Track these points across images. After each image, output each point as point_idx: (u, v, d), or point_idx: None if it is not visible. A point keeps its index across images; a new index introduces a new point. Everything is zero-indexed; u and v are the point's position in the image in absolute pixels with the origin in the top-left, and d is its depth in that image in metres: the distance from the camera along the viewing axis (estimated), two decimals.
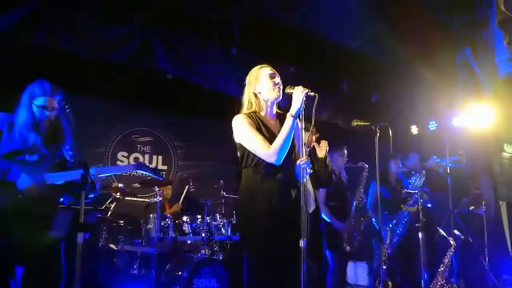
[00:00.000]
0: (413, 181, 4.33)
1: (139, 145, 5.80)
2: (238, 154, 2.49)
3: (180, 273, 4.24)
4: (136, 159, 5.74)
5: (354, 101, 6.52)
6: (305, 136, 2.43)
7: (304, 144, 2.43)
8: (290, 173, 2.43)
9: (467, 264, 4.51)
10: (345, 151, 4.35)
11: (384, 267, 3.82)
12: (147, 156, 5.85)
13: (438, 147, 5.70)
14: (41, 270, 2.41)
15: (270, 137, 2.40)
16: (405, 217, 4.20)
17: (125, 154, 5.66)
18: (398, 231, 4.15)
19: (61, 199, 2.45)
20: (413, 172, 4.47)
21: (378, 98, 6.68)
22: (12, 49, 4.17)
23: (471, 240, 4.48)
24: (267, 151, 2.32)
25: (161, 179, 4.05)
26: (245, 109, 2.55)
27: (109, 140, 5.55)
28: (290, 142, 2.37)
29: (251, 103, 2.54)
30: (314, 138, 3.23)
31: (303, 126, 2.37)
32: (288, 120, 2.36)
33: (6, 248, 2.33)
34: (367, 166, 4.18)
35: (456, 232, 4.07)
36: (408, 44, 5.36)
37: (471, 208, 4.17)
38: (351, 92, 6.48)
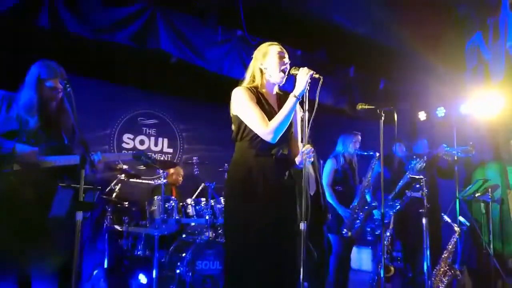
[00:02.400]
0: (413, 164, 4.28)
1: (144, 128, 5.80)
2: (233, 127, 2.44)
3: (183, 254, 4.28)
4: (141, 141, 5.75)
5: (361, 87, 6.45)
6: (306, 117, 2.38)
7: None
8: (290, 147, 2.42)
9: (472, 250, 4.50)
10: (359, 137, 4.31)
11: (387, 253, 3.83)
12: (152, 138, 5.86)
13: (446, 133, 5.64)
14: (44, 249, 2.41)
15: (268, 114, 2.36)
16: (403, 202, 4.17)
17: (131, 136, 5.67)
18: (390, 213, 4.12)
19: (58, 181, 2.42)
20: (414, 157, 4.42)
21: (386, 83, 6.60)
22: (14, 30, 4.15)
23: (476, 227, 4.46)
24: (264, 128, 2.30)
25: (158, 168, 4.02)
26: (246, 82, 2.51)
27: (115, 123, 5.56)
28: (289, 122, 2.35)
29: (254, 78, 2.50)
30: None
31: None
32: (290, 100, 2.33)
33: (9, 228, 2.32)
34: (378, 154, 4.15)
35: (461, 218, 4.04)
36: (416, 30, 5.27)
37: (477, 195, 4.13)
38: (358, 78, 6.41)
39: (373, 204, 4.06)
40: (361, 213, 4.04)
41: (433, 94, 6.11)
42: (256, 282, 2.24)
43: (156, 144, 5.88)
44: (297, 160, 2.39)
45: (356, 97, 6.39)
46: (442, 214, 4.02)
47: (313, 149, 2.31)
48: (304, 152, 2.28)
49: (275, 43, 2.52)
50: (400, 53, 5.91)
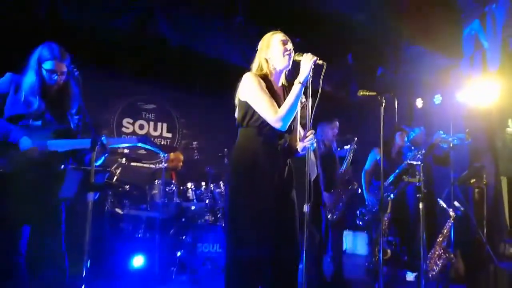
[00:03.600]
0: (412, 154, 4.36)
1: (144, 112, 5.84)
2: (239, 112, 2.43)
3: (184, 237, 4.37)
4: (141, 126, 5.79)
5: (359, 74, 6.49)
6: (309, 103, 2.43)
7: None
8: (290, 139, 2.46)
9: (465, 235, 4.60)
10: (336, 123, 4.36)
11: (385, 237, 3.93)
12: (152, 123, 5.90)
13: (443, 121, 5.71)
14: (46, 231, 2.45)
15: (276, 102, 2.38)
16: (399, 188, 4.27)
17: (130, 121, 5.71)
18: (388, 199, 4.21)
19: (62, 166, 2.45)
20: (412, 148, 4.50)
21: (383, 70, 6.64)
22: (15, 16, 4.14)
23: (469, 213, 4.56)
24: (274, 115, 2.31)
25: (165, 155, 4.05)
26: (255, 71, 2.51)
27: (115, 107, 5.58)
28: (296, 109, 2.38)
29: (261, 68, 2.50)
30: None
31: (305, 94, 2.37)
32: (296, 87, 2.35)
33: (13, 209, 2.34)
34: (355, 138, 4.22)
35: (456, 203, 4.13)
36: (414, 17, 5.29)
37: (471, 181, 4.21)
38: (356, 65, 6.44)
39: (355, 187, 4.14)
40: (343, 196, 4.13)
41: (430, 81, 6.16)
42: (258, 262, 2.29)
43: (155, 129, 5.92)
44: (299, 146, 2.42)
45: (353, 85, 6.44)
46: (438, 199, 4.10)
47: (314, 135, 2.36)
48: (307, 138, 2.33)
49: (278, 31, 2.53)
50: (397, 41, 5.95)
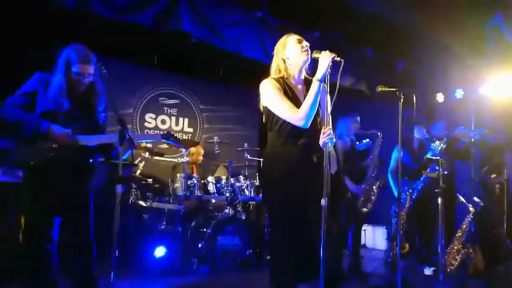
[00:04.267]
0: (433, 147, 4.35)
1: (166, 107, 5.96)
2: (264, 118, 2.56)
3: (204, 230, 4.47)
4: (163, 121, 5.92)
5: (379, 68, 6.46)
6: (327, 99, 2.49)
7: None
8: (313, 138, 2.49)
9: (485, 231, 4.58)
10: (358, 118, 4.40)
11: (402, 231, 3.95)
12: (173, 118, 6.02)
13: (464, 115, 5.67)
14: (75, 222, 2.57)
15: (296, 102, 2.46)
16: (421, 182, 4.27)
17: (153, 116, 5.84)
18: (413, 196, 4.23)
19: (91, 160, 2.56)
20: (434, 139, 4.49)
21: (404, 65, 6.60)
22: (46, 10, 4.27)
23: (490, 208, 4.53)
24: (296, 115, 2.40)
25: (186, 149, 4.16)
26: (272, 75, 2.60)
27: (137, 102, 5.72)
28: (317, 106, 2.44)
29: (279, 69, 2.58)
30: None
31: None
32: (314, 85, 2.42)
33: (45, 201, 2.47)
34: (380, 133, 4.24)
35: (475, 199, 4.12)
36: (435, 10, 5.24)
37: (492, 176, 4.18)
38: (376, 59, 6.41)
39: (383, 182, 4.17)
40: (374, 189, 4.17)
41: (452, 75, 6.10)
42: (293, 248, 2.45)
43: (177, 124, 6.04)
44: (320, 142, 2.48)
45: (373, 79, 6.42)
46: (457, 194, 4.10)
47: (331, 131, 2.41)
48: (325, 134, 2.39)
49: (292, 34, 2.62)
50: (418, 34, 5.89)
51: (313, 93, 2.41)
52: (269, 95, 2.48)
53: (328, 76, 2.45)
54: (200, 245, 4.42)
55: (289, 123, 2.45)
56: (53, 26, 4.43)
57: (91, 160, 2.59)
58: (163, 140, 2.68)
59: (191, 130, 6.16)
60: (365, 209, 4.13)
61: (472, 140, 5.13)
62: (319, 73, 2.42)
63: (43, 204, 2.49)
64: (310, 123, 2.43)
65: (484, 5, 5.48)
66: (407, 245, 3.86)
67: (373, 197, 4.18)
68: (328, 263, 2.28)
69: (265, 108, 2.53)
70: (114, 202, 2.22)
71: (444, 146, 4.27)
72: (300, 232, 2.45)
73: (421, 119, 5.15)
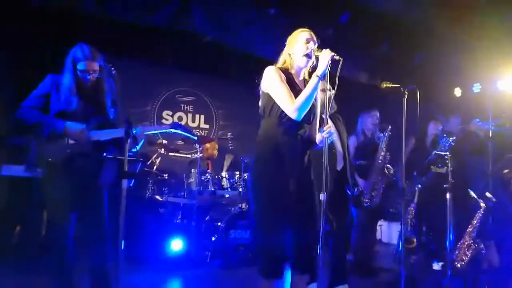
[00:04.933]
0: (443, 142, 4.33)
1: (182, 105, 6.10)
2: (262, 103, 2.59)
3: (218, 224, 4.59)
4: (180, 118, 6.07)
5: (397, 62, 6.42)
6: (322, 97, 2.54)
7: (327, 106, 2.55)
8: (311, 132, 2.58)
9: (501, 227, 4.53)
10: (377, 113, 4.41)
11: (410, 226, 3.96)
12: (190, 115, 6.16)
13: (482, 110, 5.58)
14: (90, 217, 2.68)
15: (296, 94, 2.50)
16: (429, 178, 4.25)
17: (170, 113, 5.99)
18: (420, 190, 4.21)
19: (104, 154, 2.68)
20: (444, 135, 4.46)
21: (421, 59, 6.54)
22: (60, 14, 4.46)
23: (505, 204, 4.47)
24: (292, 105, 2.45)
25: (195, 137, 4.26)
26: (278, 64, 2.67)
27: (154, 100, 5.88)
28: (312, 100, 2.50)
29: (284, 61, 2.66)
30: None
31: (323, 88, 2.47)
32: (313, 80, 2.47)
33: (62, 196, 2.60)
34: (389, 126, 4.24)
35: (487, 194, 4.08)
36: (453, 3, 5.18)
37: (505, 171, 4.13)
38: (393, 53, 6.38)
39: (391, 171, 4.16)
40: (381, 185, 4.17)
41: (469, 70, 6.01)
42: (279, 242, 2.48)
43: (193, 120, 6.18)
44: (318, 138, 2.55)
45: (390, 73, 6.38)
46: (469, 190, 4.07)
47: (331, 128, 2.47)
48: (324, 131, 2.45)
49: (306, 29, 2.66)
50: (435, 29, 5.83)
51: (310, 87, 2.46)
52: (272, 81, 2.51)
53: (328, 75, 2.49)
54: (213, 238, 4.54)
55: None
56: (72, 29, 4.61)
57: (104, 155, 2.72)
58: (172, 130, 2.77)
59: (207, 126, 6.29)
60: (368, 203, 4.14)
61: (490, 134, 5.06)
62: (319, 70, 2.48)
63: (62, 200, 2.62)
64: (302, 116, 2.47)
65: (502, 0, 5.38)
66: (414, 240, 3.86)
67: (378, 193, 4.18)
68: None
69: (265, 93, 2.56)
70: (129, 196, 2.30)
71: (453, 143, 4.24)
72: (290, 223, 2.49)
73: (437, 115, 5.12)
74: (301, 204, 2.53)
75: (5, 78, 4.39)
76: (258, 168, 2.57)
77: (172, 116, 5.99)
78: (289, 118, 2.49)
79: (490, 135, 5.10)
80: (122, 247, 2.27)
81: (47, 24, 4.53)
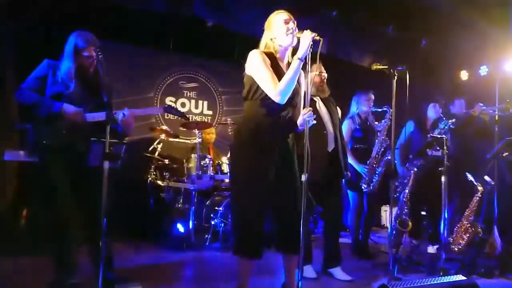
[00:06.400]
0: (441, 126, 4.28)
1: (185, 91, 6.14)
2: (245, 86, 2.61)
3: (218, 208, 4.66)
4: (183, 104, 6.11)
5: (402, 45, 6.32)
6: (308, 77, 2.54)
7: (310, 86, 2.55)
8: (293, 113, 2.61)
9: (503, 210, 4.47)
10: (371, 95, 4.37)
11: (406, 209, 3.95)
12: (193, 101, 6.20)
13: (488, 92, 5.48)
14: (86, 197, 2.77)
15: (280, 78, 2.52)
16: (425, 160, 4.22)
17: (173, 99, 6.04)
18: (416, 173, 4.18)
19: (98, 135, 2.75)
20: (444, 118, 4.40)
21: (427, 42, 6.43)
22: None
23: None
24: (275, 88, 2.47)
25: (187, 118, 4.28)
26: (262, 49, 2.68)
27: (157, 86, 5.93)
28: (295, 83, 2.51)
29: (267, 46, 2.67)
30: (320, 79, 3.33)
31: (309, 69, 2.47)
32: (295, 63, 2.48)
33: (61, 177, 2.70)
34: (390, 109, 4.20)
35: (486, 178, 4.03)
36: None
37: (504, 154, 4.06)
38: (399, 36, 6.27)
39: (389, 157, 4.13)
40: (379, 168, 4.15)
41: (476, 52, 5.88)
42: (256, 222, 2.52)
43: (196, 107, 6.22)
44: (299, 121, 2.56)
45: (396, 57, 6.29)
46: (466, 173, 4.03)
47: (312, 112, 2.47)
48: (305, 114, 2.46)
49: (281, 11, 2.67)
50: (441, 11, 5.71)
51: (292, 70, 2.47)
52: (255, 64, 2.53)
53: (309, 56, 2.47)
54: (213, 222, 4.61)
55: None
56: (68, 14, 4.63)
57: (96, 136, 2.78)
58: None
59: (210, 112, 6.32)
60: (366, 188, 4.13)
61: (496, 118, 4.97)
62: (300, 52, 2.48)
63: (59, 181, 2.72)
64: (286, 99, 2.49)
65: None
66: (410, 223, 3.85)
67: (375, 179, 4.16)
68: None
69: (249, 76, 2.58)
70: (130, 177, 2.35)
71: (452, 126, 4.19)
72: (270, 205, 2.54)
73: (440, 97, 5.05)
74: (283, 185, 2.55)
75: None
76: (237, 149, 2.62)
77: (175, 102, 6.04)
78: (273, 101, 2.51)
79: (496, 118, 5.01)
80: (104, 228, 2.34)
81: (50, 10, 4.58)
